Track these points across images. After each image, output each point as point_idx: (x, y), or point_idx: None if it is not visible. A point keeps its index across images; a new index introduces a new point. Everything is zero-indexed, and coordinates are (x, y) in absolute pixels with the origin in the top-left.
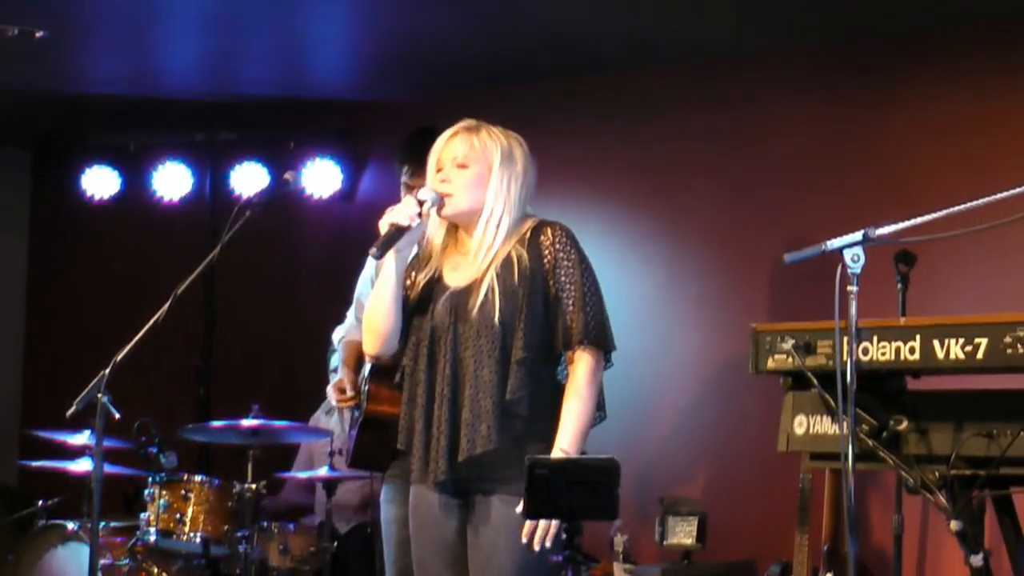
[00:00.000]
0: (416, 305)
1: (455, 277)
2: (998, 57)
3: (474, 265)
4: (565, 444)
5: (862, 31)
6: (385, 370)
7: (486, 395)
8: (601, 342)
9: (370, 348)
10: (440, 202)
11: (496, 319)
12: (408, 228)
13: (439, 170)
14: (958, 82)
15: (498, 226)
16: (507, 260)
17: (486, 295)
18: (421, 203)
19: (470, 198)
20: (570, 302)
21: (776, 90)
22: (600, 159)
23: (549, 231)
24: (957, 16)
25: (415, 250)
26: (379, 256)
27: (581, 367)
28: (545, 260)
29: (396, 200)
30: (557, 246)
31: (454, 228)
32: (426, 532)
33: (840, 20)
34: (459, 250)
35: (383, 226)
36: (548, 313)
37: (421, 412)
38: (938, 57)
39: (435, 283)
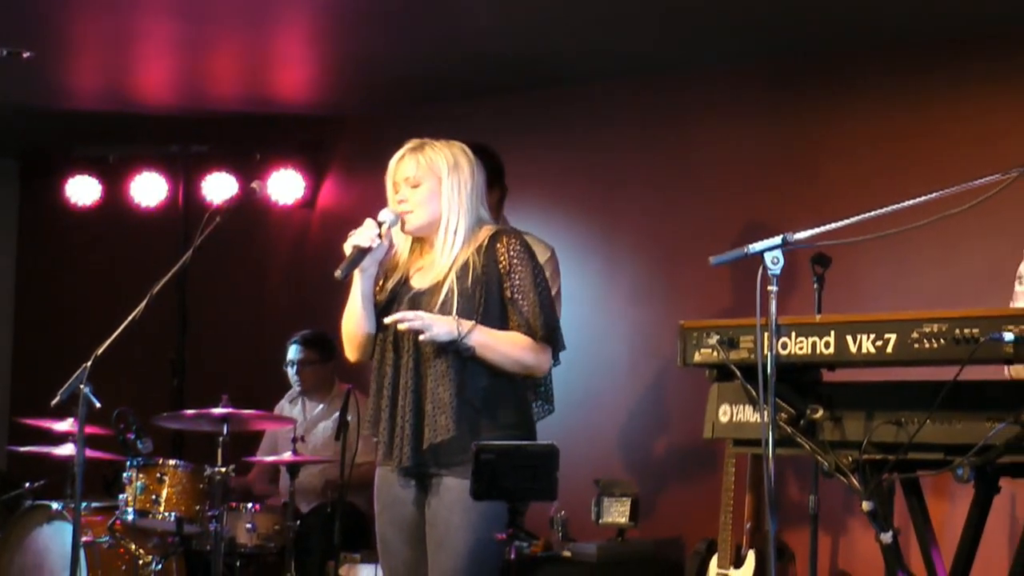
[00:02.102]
0: (384, 307)
1: (419, 280)
2: (911, 75)
3: (435, 269)
4: (470, 327)
5: (785, 49)
6: None
7: (445, 388)
8: (553, 342)
9: (350, 356)
10: (399, 221)
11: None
12: (370, 249)
13: (396, 192)
14: (873, 98)
15: (456, 231)
16: (465, 265)
17: (446, 296)
18: (381, 224)
19: (427, 211)
20: (526, 303)
21: (705, 105)
22: (540, 167)
23: (504, 239)
24: (874, 36)
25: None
26: (343, 277)
27: (533, 343)
28: (500, 265)
29: (353, 206)
30: (512, 252)
31: (419, 238)
32: (388, 512)
33: (765, 39)
34: (424, 257)
35: (347, 248)
36: (503, 313)
37: (387, 402)
38: (855, 74)
39: (401, 286)
